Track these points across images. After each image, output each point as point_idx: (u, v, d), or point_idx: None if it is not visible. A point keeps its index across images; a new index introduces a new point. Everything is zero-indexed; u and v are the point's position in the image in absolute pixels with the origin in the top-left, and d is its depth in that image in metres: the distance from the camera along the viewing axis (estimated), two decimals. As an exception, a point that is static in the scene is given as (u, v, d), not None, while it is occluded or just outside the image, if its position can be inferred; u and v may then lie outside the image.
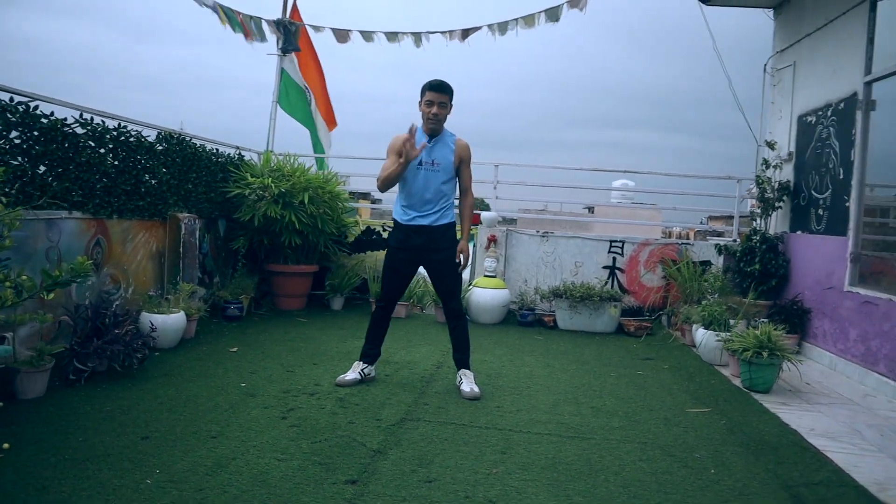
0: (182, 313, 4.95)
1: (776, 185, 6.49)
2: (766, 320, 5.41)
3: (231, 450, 2.99)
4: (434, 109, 3.98)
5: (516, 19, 7.80)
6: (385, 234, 7.64)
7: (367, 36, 8.30)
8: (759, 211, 6.74)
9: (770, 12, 7.11)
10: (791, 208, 6.47)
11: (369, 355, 4.32)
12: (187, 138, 5.82)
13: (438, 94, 3.99)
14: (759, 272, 6.34)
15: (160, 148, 5.33)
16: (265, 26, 8.22)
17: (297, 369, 4.51)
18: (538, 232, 7.55)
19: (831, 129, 5.71)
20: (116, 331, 4.08)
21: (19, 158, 3.94)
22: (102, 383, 3.89)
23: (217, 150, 6.46)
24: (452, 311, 4.23)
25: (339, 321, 6.52)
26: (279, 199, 6.43)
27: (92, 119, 4.55)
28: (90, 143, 4.51)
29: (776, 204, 6.53)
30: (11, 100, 3.89)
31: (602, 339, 6.44)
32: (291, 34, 8.25)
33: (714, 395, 4.38)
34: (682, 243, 7.38)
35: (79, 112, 4.45)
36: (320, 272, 7.33)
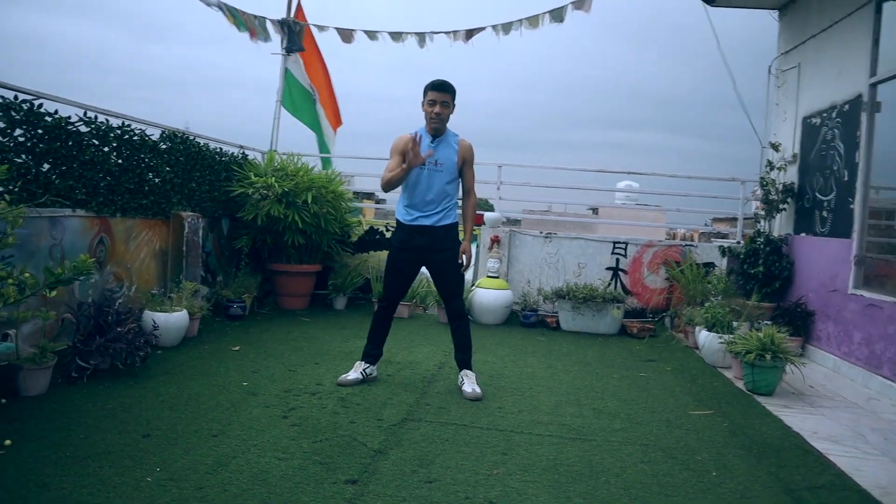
0: (185, 312, 4.95)
1: (780, 187, 6.47)
2: (769, 323, 5.39)
3: (232, 448, 2.99)
4: (437, 109, 3.98)
5: (521, 20, 7.79)
6: (388, 234, 7.63)
7: (371, 35, 8.30)
8: (763, 213, 6.72)
9: (775, 13, 7.09)
10: (795, 210, 6.45)
11: (371, 355, 4.31)
12: (191, 137, 5.83)
13: (440, 93, 3.99)
14: (763, 274, 6.32)
15: (164, 147, 5.35)
16: (269, 26, 8.23)
17: (299, 368, 4.51)
18: (541, 233, 7.54)
19: (836, 130, 5.68)
20: (119, 329, 4.09)
21: (23, 156, 3.95)
22: (105, 381, 3.89)
23: (221, 149, 6.47)
24: (454, 312, 4.23)
25: (341, 321, 6.52)
26: (282, 198, 6.44)
27: (96, 117, 4.56)
28: (94, 141, 4.52)
29: (780, 206, 6.51)
30: (16, 98, 3.91)
31: (605, 340, 6.42)
32: (295, 34, 8.25)
33: (716, 398, 4.37)
34: (686, 245, 7.37)
35: (83, 110, 4.47)
36: (323, 272, 7.33)
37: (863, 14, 5.30)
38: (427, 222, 4.09)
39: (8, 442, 2.87)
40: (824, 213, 5.81)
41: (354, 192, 8.93)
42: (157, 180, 5.26)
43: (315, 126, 8.91)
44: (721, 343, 5.10)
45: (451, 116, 4.12)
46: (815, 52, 6.21)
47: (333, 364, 4.66)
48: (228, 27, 7.96)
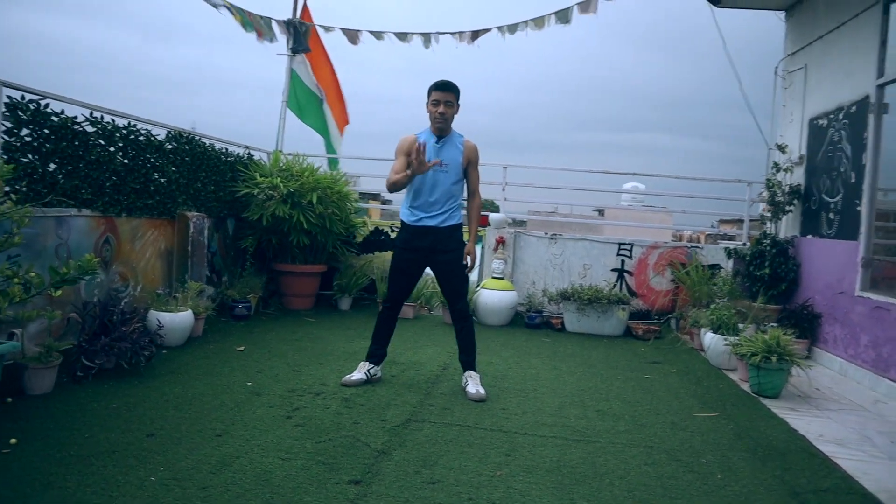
0: (190, 312, 4.97)
1: (787, 189, 6.44)
2: (775, 325, 5.37)
3: (235, 448, 2.99)
4: (441, 108, 3.98)
5: (526, 21, 7.78)
6: (393, 235, 7.64)
7: (377, 35, 8.31)
8: (769, 214, 6.69)
9: (782, 14, 7.06)
10: (802, 212, 6.42)
11: (375, 356, 4.31)
12: (197, 137, 5.84)
13: (444, 93, 3.99)
14: (769, 276, 6.29)
15: (170, 147, 5.36)
16: (275, 26, 8.25)
17: (304, 369, 4.52)
18: (546, 234, 7.53)
19: (843, 132, 5.66)
20: (124, 328, 4.10)
21: (30, 156, 3.96)
22: (109, 380, 3.91)
23: (226, 149, 6.49)
24: (459, 313, 4.23)
25: (346, 321, 6.52)
26: (288, 198, 6.45)
27: (102, 117, 4.57)
28: (100, 141, 4.54)
29: (786, 208, 6.48)
30: (23, 97, 3.92)
31: (610, 342, 6.41)
32: (301, 34, 8.27)
33: (722, 400, 4.35)
34: (692, 246, 7.35)
35: (89, 110, 4.48)
36: (328, 272, 7.34)
37: (870, 15, 5.27)
38: (431, 223, 4.09)
39: (13, 440, 2.89)
40: (831, 215, 5.78)
41: (360, 193, 8.94)
42: (162, 180, 5.28)
43: (322, 129, 8.91)
44: (726, 345, 5.08)
45: (456, 117, 4.12)
46: (821, 53, 6.18)
47: (338, 364, 4.66)
48: (232, 28, 7.99)
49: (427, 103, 4.06)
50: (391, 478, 2.78)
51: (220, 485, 2.61)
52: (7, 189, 3.67)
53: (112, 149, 4.66)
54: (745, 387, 4.68)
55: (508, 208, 7.87)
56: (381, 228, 7.81)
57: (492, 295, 6.84)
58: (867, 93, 5.27)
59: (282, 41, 8.34)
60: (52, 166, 4.14)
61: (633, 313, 6.98)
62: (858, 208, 5.27)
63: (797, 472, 3.12)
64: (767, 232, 6.71)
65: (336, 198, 6.88)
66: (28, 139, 3.95)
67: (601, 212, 13.63)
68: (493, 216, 7.37)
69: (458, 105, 4.08)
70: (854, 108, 5.48)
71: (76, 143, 4.30)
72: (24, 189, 3.86)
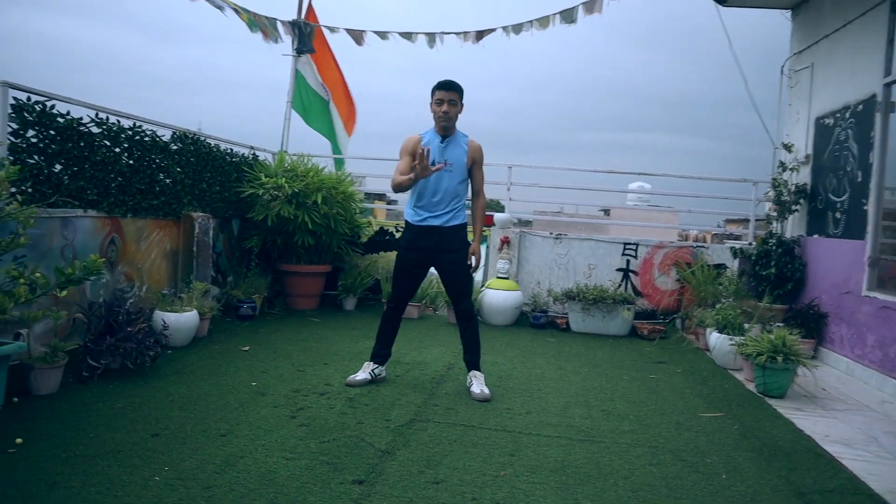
0: (195, 312, 4.98)
1: (793, 188, 6.41)
2: (781, 325, 5.34)
3: (240, 448, 3.00)
4: (444, 107, 3.98)
5: (531, 21, 7.77)
6: (398, 235, 7.64)
7: (382, 35, 8.31)
8: (775, 214, 6.66)
9: (788, 13, 7.03)
10: (808, 211, 6.39)
11: (380, 356, 4.32)
12: (202, 138, 5.86)
13: (447, 91, 3.99)
14: (775, 276, 6.26)
15: (175, 147, 5.37)
16: (280, 27, 8.26)
17: (308, 369, 4.52)
18: (551, 234, 7.52)
19: (849, 131, 5.63)
20: (129, 329, 4.12)
21: (36, 157, 3.98)
22: (115, 380, 3.92)
23: (231, 149, 6.50)
24: (463, 313, 4.22)
25: (351, 321, 6.53)
26: (293, 199, 6.46)
27: (107, 118, 4.59)
28: (105, 142, 4.55)
29: (793, 207, 6.45)
30: (28, 99, 3.94)
31: (615, 341, 6.39)
32: (306, 35, 8.28)
33: (727, 400, 4.33)
34: (697, 246, 7.32)
35: (94, 111, 4.50)
36: (333, 272, 7.35)
37: (877, 13, 5.25)
38: (436, 223, 4.09)
39: (19, 440, 2.90)
40: (837, 215, 5.75)
41: (366, 193, 8.95)
42: (167, 181, 5.30)
43: (328, 131, 8.90)
44: (732, 345, 5.06)
45: (460, 116, 4.12)
46: (828, 52, 6.15)
47: (342, 364, 4.67)
48: (233, 28, 8.03)
49: (431, 103, 4.06)
50: (395, 478, 2.78)
51: (224, 484, 2.61)
52: (13, 190, 3.69)
53: (117, 149, 4.68)
54: (751, 387, 4.66)
55: (514, 208, 7.86)
56: (385, 228, 7.82)
57: (497, 295, 6.83)
58: (874, 91, 5.24)
59: (286, 42, 8.35)
60: (58, 167, 4.15)
61: (638, 313, 6.96)
62: (865, 207, 5.25)
63: (803, 472, 3.10)
64: (773, 231, 6.67)
65: (341, 198, 6.90)
66: (34, 140, 3.97)
67: (607, 212, 13.60)
68: (497, 216, 7.36)
69: (461, 104, 4.08)
70: (861, 106, 5.45)
71: (82, 143, 4.31)
72: (29, 190, 3.88)
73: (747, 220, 7.70)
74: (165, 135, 5.29)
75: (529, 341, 6.12)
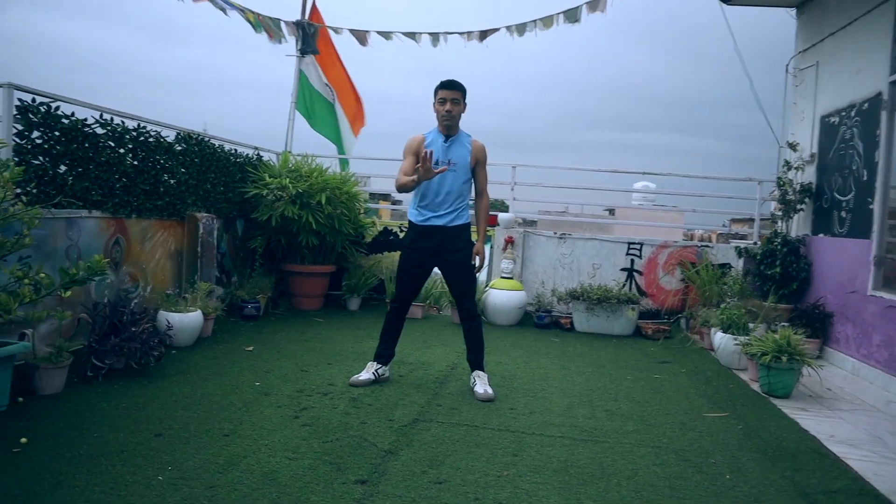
0: (199, 312, 4.99)
1: (798, 188, 6.38)
2: (786, 324, 5.32)
3: (243, 448, 3.00)
4: (447, 106, 3.98)
5: (535, 20, 7.76)
6: (402, 235, 7.64)
7: (385, 36, 8.31)
8: (780, 213, 6.64)
9: (792, 11, 7.00)
10: (813, 211, 6.36)
11: (383, 356, 4.32)
12: (206, 139, 5.87)
13: (450, 91, 3.99)
14: (780, 275, 6.24)
15: (179, 148, 5.39)
16: (284, 27, 8.27)
17: (312, 369, 4.53)
18: (555, 233, 7.51)
19: (855, 129, 5.60)
20: (134, 329, 4.13)
21: (41, 158, 4.00)
22: (119, 380, 3.93)
23: (235, 150, 6.52)
24: (467, 313, 4.22)
25: (355, 321, 6.53)
26: (297, 199, 6.47)
27: (112, 119, 4.61)
28: (110, 143, 4.57)
29: (798, 206, 6.42)
30: (33, 100, 3.96)
31: (619, 341, 6.38)
32: (310, 36, 8.29)
33: (732, 400, 4.32)
34: (702, 245, 7.30)
35: (99, 112, 4.52)
36: (337, 272, 7.36)
37: (883, 11, 5.22)
38: (439, 223, 4.09)
39: (24, 440, 2.92)
40: (843, 214, 5.72)
41: (371, 194, 8.95)
42: (172, 181, 5.31)
43: (333, 133, 8.89)
44: (737, 345, 5.05)
45: (463, 116, 4.12)
46: (833, 49, 6.12)
47: (346, 364, 4.67)
48: (235, 29, 8.05)
49: (434, 103, 4.06)
50: (398, 477, 2.78)
51: (227, 484, 2.62)
52: (18, 191, 3.70)
53: (122, 150, 4.69)
54: (756, 387, 4.65)
55: (518, 208, 7.86)
56: (389, 228, 7.82)
57: (501, 295, 6.83)
58: (880, 90, 5.21)
59: (291, 42, 8.36)
60: (63, 168, 4.17)
61: (642, 313, 6.94)
62: (871, 206, 5.22)
63: (807, 472, 3.09)
64: (778, 231, 6.65)
65: (345, 198, 6.90)
66: (39, 141, 3.99)
67: (612, 211, 13.57)
68: (502, 216, 7.36)
69: (464, 103, 4.08)
70: (866, 105, 5.42)
71: (86, 144, 4.33)
72: (34, 191, 3.89)
73: (752, 220, 7.67)
74: (170, 135, 5.30)
75: (533, 341, 6.12)
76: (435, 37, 8.13)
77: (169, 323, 4.71)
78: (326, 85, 8.76)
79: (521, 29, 7.85)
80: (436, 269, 4.35)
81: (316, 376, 4.34)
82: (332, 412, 3.60)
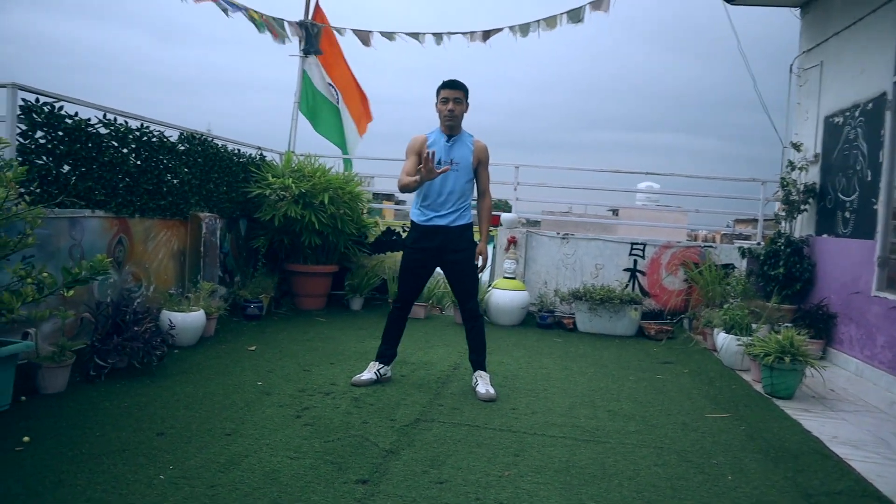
0: (202, 312, 5.00)
1: (801, 188, 6.37)
2: (790, 325, 5.31)
3: (244, 447, 3.01)
4: (450, 106, 3.99)
5: (538, 21, 7.75)
6: (405, 235, 7.64)
7: (388, 36, 8.31)
8: (783, 214, 6.62)
9: (797, 11, 6.98)
10: (817, 211, 6.34)
11: (385, 355, 4.32)
12: (209, 139, 5.88)
13: (452, 90, 4.00)
14: (784, 276, 6.22)
15: (182, 148, 5.40)
16: (287, 28, 8.28)
17: (314, 368, 4.53)
18: (558, 234, 7.50)
19: (859, 129, 5.58)
20: (136, 328, 4.14)
21: (44, 158, 4.01)
22: (122, 380, 3.94)
23: (239, 150, 6.53)
24: (469, 313, 4.22)
25: (358, 321, 6.54)
26: (300, 199, 6.47)
27: (115, 119, 4.62)
28: (113, 143, 4.58)
29: (801, 207, 6.41)
30: (37, 100, 3.97)
31: (622, 342, 6.37)
32: (313, 36, 8.29)
33: (734, 401, 4.31)
34: (705, 246, 7.29)
35: (102, 112, 4.53)
36: (340, 272, 7.36)
37: (887, 10, 5.20)
38: (442, 222, 4.09)
39: (26, 439, 2.92)
40: (847, 214, 5.71)
41: (374, 194, 8.95)
42: (175, 181, 5.32)
43: (336, 134, 8.88)
44: (739, 345, 5.04)
45: (466, 116, 4.12)
46: (837, 49, 6.10)
47: (348, 364, 4.67)
48: (236, 29, 8.09)
49: (436, 102, 4.07)
50: (399, 477, 2.78)
51: (228, 483, 2.62)
52: (22, 191, 3.71)
53: (125, 150, 4.70)
54: (758, 387, 4.63)
55: (521, 208, 7.85)
56: (392, 228, 7.82)
57: (503, 295, 6.82)
58: (884, 90, 5.19)
59: (294, 42, 8.37)
60: (66, 168, 4.18)
61: (645, 313, 6.93)
62: (875, 207, 5.20)
63: (810, 473, 3.08)
64: (782, 231, 6.63)
65: (348, 198, 6.91)
66: (42, 141, 4.00)
67: (615, 212, 13.55)
68: (504, 216, 7.36)
69: (467, 103, 4.08)
70: (870, 105, 5.40)
71: (90, 144, 4.34)
72: (37, 190, 3.91)
73: (756, 220, 7.65)
74: (173, 135, 5.31)
75: (536, 341, 6.11)
76: (438, 37, 8.13)
77: (171, 322, 4.72)
78: (330, 84, 8.75)
79: (524, 29, 7.84)
80: (438, 269, 4.35)
81: (318, 376, 4.34)
82: (333, 412, 3.60)
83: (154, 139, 5.01)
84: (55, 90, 4.10)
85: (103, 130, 4.50)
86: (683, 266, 7.08)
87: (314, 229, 6.62)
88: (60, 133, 4.11)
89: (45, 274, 3.43)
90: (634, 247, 7.25)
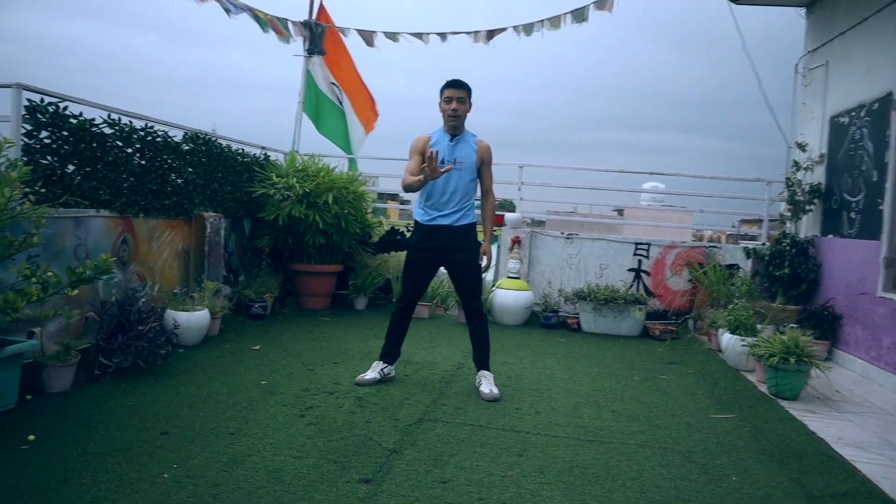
0: (206, 311, 5.01)
1: (807, 188, 6.34)
2: (795, 326, 5.29)
3: (248, 446, 3.01)
4: (453, 105, 3.99)
5: (542, 20, 7.75)
6: (409, 235, 7.64)
7: (392, 36, 8.32)
8: (789, 214, 6.60)
9: (802, 11, 6.96)
10: (822, 211, 6.31)
11: (389, 355, 4.32)
12: (213, 139, 5.89)
13: (456, 90, 4.00)
14: (789, 276, 6.20)
15: (186, 148, 5.41)
16: (291, 27, 8.29)
17: (318, 368, 4.54)
18: (562, 233, 7.49)
19: (865, 130, 5.56)
20: (141, 327, 4.15)
21: (49, 157, 4.02)
22: (126, 379, 3.95)
23: (243, 150, 6.54)
24: (473, 312, 4.22)
25: (362, 321, 6.54)
26: (304, 198, 6.48)
27: (119, 119, 4.63)
28: (117, 142, 4.59)
29: (807, 207, 6.38)
30: (42, 100, 3.98)
31: (626, 342, 6.36)
32: (317, 36, 8.30)
33: (739, 401, 4.29)
34: (710, 246, 7.27)
35: (107, 112, 4.54)
36: (344, 272, 7.37)
37: (893, 10, 5.18)
38: (445, 222, 4.09)
39: (31, 437, 2.94)
40: (852, 215, 5.68)
41: (379, 193, 8.95)
42: (179, 181, 5.33)
43: (340, 135, 8.88)
44: (744, 346, 5.02)
45: (470, 115, 4.12)
46: (843, 49, 6.08)
47: (352, 364, 4.68)
48: (238, 29, 8.10)
49: (439, 102, 4.07)
50: (402, 477, 2.78)
51: (231, 482, 2.62)
52: (27, 190, 3.73)
53: (129, 150, 4.71)
54: (763, 388, 4.62)
55: (525, 208, 7.84)
56: (396, 228, 7.83)
57: (507, 295, 6.82)
58: (890, 90, 5.17)
59: (298, 42, 8.37)
60: (71, 167, 4.19)
61: (649, 313, 6.92)
62: (881, 207, 5.18)
63: (815, 475, 3.07)
64: (787, 231, 6.61)
65: (352, 198, 6.91)
66: (47, 141, 4.01)
67: (621, 212, 13.53)
68: (508, 216, 7.35)
69: (470, 103, 4.08)
70: (876, 105, 5.38)
71: (94, 144, 4.35)
72: (42, 190, 3.92)
73: (761, 221, 7.63)
74: (177, 135, 5.32)
75: (540, 341, 6.10)
76: (442, 37, 8.13)
77: (176, 322, 4.73)
78: (333, 84, 8.75)
79: (528, 29, 7.83)
80: (442, 269, 4.35)
81: (322, 375, 4.34)
82: (337, 411, 3.60)
83: (158, 139, 5.03)
84: (55, 91, 4.11)
85: (108, 130, 4.51)
86: (688, 266, 7.06)
87: (318, 229, 6.62)
88: (65, 133, 4.12)
89: (50, 273, 3.44)
90: (639, 247, 7.24)
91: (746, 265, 6.93)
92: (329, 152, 7.93)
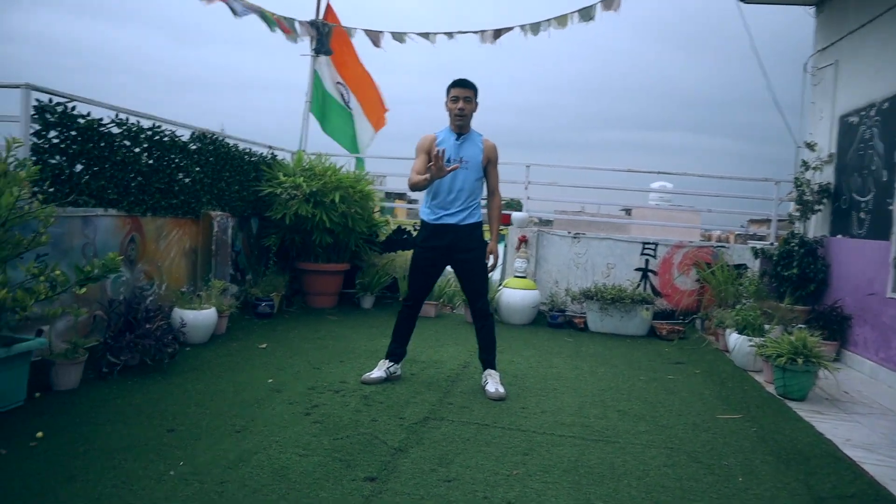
0: (213, 310, 5.03)
1: (816, 188, 6.31)
2: (803, 326, 5.26)
3: (254, 444, 3.02)
4: (460, 104, 3.99)
5: (549, 20, 7.73)
6: (416, 234, 7.64)
7: (399, 38, 8.32)
8: (797, 214, 6.56)
9: (811, 10, 6.92)
10: (831, 211, 6.28)
11: (395, 354, 4.33)
12: (220, 138, 5.91)
13: (462, 89, 4.00)
14: (797, 277, 6.17)
15: (194, 147, 5.43)
16: (298, 27, 8.30)
17: (325, 366, 4.55)
18: (569, 233, 7.48)
19: (875, 129, 5.52)
20: (148, 326, 4.17)
21: (57, 157, 4.05)
22: (134, 376, 3.97)
23: (250, 149, 6.56)
24: (479, 311, 4.22)
25: (368, 320, 6.55)
26: (311, 198, 6.49)
27: (127, 119, 4.65)
28: (125, 142, 4.61)
29: (815, 207, 6.35)
30: (50, 100, 4.01)
31: (633, 342, 6.34)
32: (324, 35, 8.31)
33: (746, 402, 4.27)
34: (718, 246, 7.23)
35: (115, 112, 4.56)
36: (351, 271, 7.38)
37: (903, 8, 5.14)
38: (451, 221, 4.09)
39: (40, 434, 2.96)
40: (862, 215, 5.64)
41: (386, 193, 8.96)
42: (186, 180, 5.35)
43: (343, 136, 8.89)
44: (752, 346, 4.99)
45: (476, 115, 4.12)
46: (852, 48, 6.04)
47: (359, 362, 4.68)
48: (240, 29, 8.06)
49: (446, 101, 4.07)
50: (407, 475, 2.78)
51: (237, 480, 2.63)
52: (35, 189, 3.75)
53: (137, 150, 4.73)
54: (771, 389, 4.59)
55: (532, 207, 7.84)
56: (403, 227, 7.83)
57: (514, 294, 6.81)
58: (899, 88, 5.13)
59: (305, 42, 8.39)
60: (79, 167, 4.22)
61: (657, 313, 6.89)
62: (890, 207, 5.14)
63: (822, 476, 3.05)
64: (796, 231, 6.57)
65: (358, 197, 6.92)
66: (55, 141, 4.04)
67: (628, 211, 13.48)
68: (515, 215, 7.34)
69: (476, 102, 4.08)
70: (886, 104, 5.34)
71: (102, 144, 4.37)
72: (50, 189, 3.94)
73: (770, 221, 7.59)
74: (184, 135, 5.34)
75: (546, 341, 6.10)
76: (449, 36, 8.12)
77: (183, 320, 4.75)
78: (339, 83, 8.76)
79: (535, 28, 7.82)
80: (449, 268, 4.35)
81: (328, 374, 4.35)
82: (343, 409, 3.61)
83: (166, 138, 5.05)
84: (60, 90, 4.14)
85: (115, 130, 4.53)
86: (696, 266, 7.03)
87: (325, 228, 6.64)
88: (73, 132, 4.15)
89: (58, 272, 3.46)
90: (646, 246, 7.22)
91: (754, 265, 6.90)
92: (336, 152, 7.94)
